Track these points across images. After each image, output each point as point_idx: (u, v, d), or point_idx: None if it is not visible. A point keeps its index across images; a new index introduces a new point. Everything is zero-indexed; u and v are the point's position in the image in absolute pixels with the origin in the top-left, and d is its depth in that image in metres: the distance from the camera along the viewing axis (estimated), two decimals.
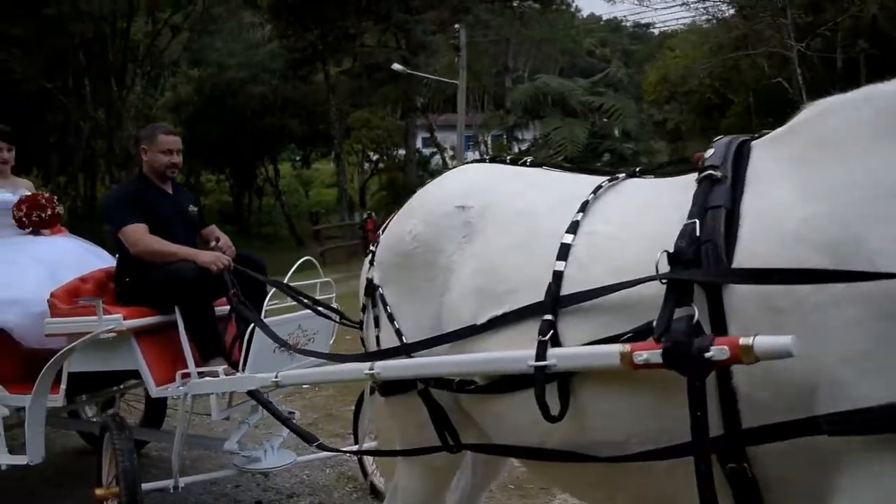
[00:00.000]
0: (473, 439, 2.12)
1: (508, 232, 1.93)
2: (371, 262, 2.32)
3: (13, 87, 20.40)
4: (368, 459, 4.26)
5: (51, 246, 4.47)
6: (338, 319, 3.49)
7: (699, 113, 29.51)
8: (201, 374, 3.57)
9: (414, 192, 2.41)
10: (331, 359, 2.51)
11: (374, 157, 36.64)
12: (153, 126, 4.16)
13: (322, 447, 2.92)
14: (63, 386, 3.86)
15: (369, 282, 2.29)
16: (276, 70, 27.82)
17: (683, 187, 1.71)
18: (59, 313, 3.82)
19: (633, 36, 67.79)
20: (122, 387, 4.83)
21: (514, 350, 1.74)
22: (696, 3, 24.28)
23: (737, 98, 27.00)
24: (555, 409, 1.65)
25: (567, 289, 1.69)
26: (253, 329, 3.43)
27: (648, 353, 1.46)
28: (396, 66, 19.20)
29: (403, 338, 2.10)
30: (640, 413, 1.59)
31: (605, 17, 56.73)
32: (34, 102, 21.16)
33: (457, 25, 21.30)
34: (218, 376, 3.49)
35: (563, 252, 1.74)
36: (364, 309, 2.33)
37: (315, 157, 38.68)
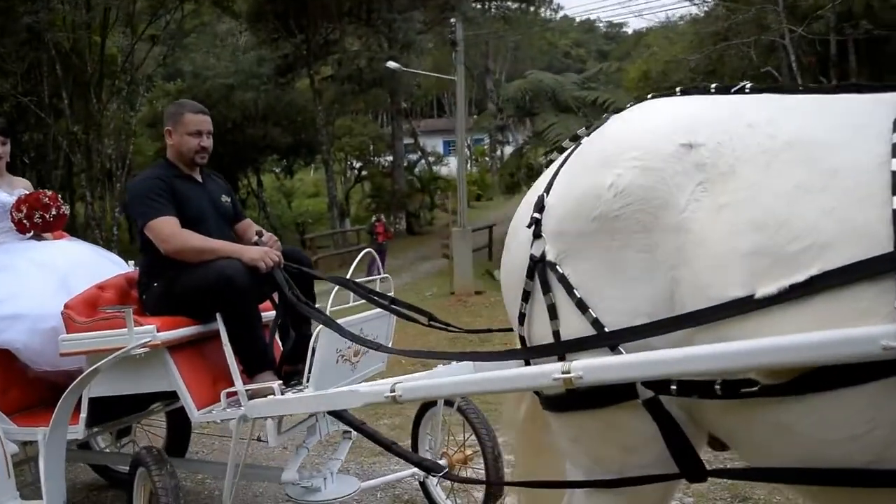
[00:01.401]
0: None
1: (781, 170, 1.37)
2: (537, 235, 1.69)
3: None
4: (433, 482, 3.71)
5: (58, 251, 3.82)
6: (427, 321, 2.84)
7: None
8: (249, 393, 3.00)
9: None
10: (482, 359, 1.90)
11: (358, 165, 36.01)
12: (179, 103, 3.52)
13: (448, 476, 2.33)
14: (83, 414, 3.26)
15: (536, 260, 1.67)
16: (263, 75, 27.15)
17: None
18: (76, 328, 3.21)
19: (607, 36, 68.95)
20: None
21: (829, 328, 1.18)
22: None
23: None
24: None
25: None
26: (318, 334, 2.85)
27: None
28: (391, 64, 18.51)
29: (606, 330, 1.52)
30: None
31: (578, 19, 57.35)
32: (11, 119, 20.34)
33: (452, 20, 20.70)
34: (272, 393, 2.92)
35: None
36: (526, 297, 1.71)
37: (298, 167, 37.93)
